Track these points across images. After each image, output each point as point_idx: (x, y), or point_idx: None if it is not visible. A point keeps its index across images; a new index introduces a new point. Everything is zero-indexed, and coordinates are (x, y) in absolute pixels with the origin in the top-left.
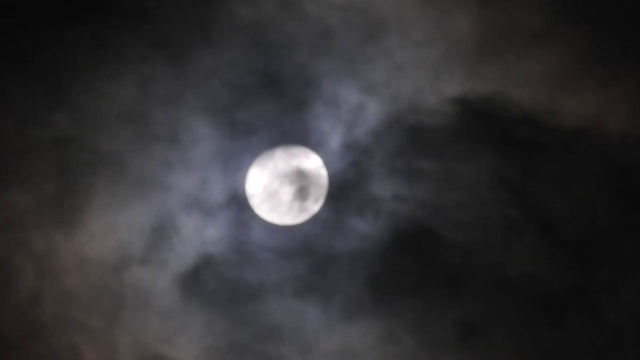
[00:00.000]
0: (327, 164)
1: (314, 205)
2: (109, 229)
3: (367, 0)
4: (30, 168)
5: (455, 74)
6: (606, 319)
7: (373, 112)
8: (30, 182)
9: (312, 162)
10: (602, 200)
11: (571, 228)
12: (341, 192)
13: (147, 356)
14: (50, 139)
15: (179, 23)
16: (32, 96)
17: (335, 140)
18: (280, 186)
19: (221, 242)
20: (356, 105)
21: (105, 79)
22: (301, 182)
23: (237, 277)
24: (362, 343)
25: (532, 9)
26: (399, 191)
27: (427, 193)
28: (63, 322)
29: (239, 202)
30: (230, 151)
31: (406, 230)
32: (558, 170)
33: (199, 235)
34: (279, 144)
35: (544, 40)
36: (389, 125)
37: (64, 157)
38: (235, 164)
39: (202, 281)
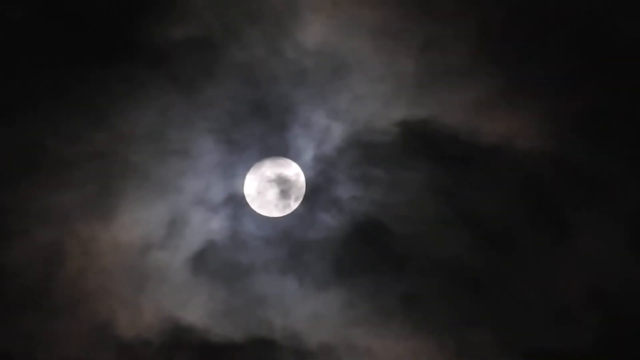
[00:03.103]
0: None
1: (295, 203)
2: (136, 222)
3: (333, 46)
4: (76, 175)
5: (400, 103)
6: (516, 291)
7: (337, 132)
8: (76, 186)
9: (293, 170)
10: (513, 201)
11: (489, 222)
12: (313, 193)
13: (165, 317)
14: (91, 152)
15: (190, 64)
16: (76, 120)
17: (308, 154)
18: (268, 188)
19: (221, 232)
20: (324, 127)
21: (133, 107)
22: (284, 185)
23: (234, 259)
24: (328, 309)
25: (461, 52)
26: (356, 193)
27: (379, 195)
28: (102, 292)
29: (235, 201)
30: (229, 162)
31: (362, 223)
32: (480, 177)
33: (205, 227)
34: (267, 156)
35: (469, 77)
36: (350, 143)
37: (102, 167)
38: (233, 171)
39: (207, 262)
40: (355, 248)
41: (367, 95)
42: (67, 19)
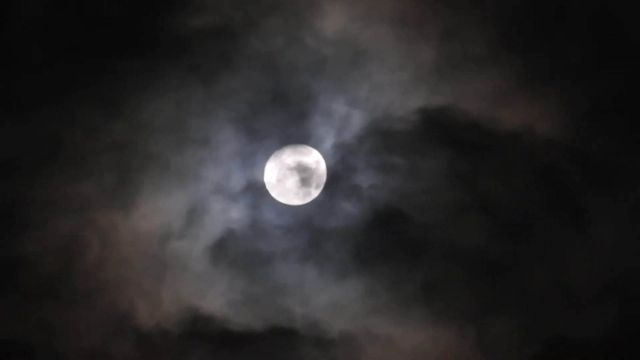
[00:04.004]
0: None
1: (316, 191)
2: (156, 211)
3: (353, 35)
4: (96, 165)
5: (419, 91)
6: (534, 279)
7: (357, 120)
8: (96, 176)
9: (313, 157)
10: (531, 189)
11: (507, 210)
12: (332, 181)
13: (185, 307)
14: (110, 143)
15: (209, 54)
16: (95, 111)
17: (328, 142)
18: (288, 176)
19: (241, 220)
20: (344, 115)
21: (152, 97)
22: (304, 173)
23: (253, 248)
24: (348, 297)
25: (480, 41)
26: (376, 181)
27: (397, 182)
28: (121, 282)
29: (255, 190)
30: (249, 150)
31: (382, 211)
32: (498, 165)
33: (224, 216)
34: (287, 144)
35: (488, 65)
36: (369, 131)
37: (121, 157)
38: (252, 160)
39: (226, 251)
40: (375, 236)
41: (387, 84)
42: (85, 11)
